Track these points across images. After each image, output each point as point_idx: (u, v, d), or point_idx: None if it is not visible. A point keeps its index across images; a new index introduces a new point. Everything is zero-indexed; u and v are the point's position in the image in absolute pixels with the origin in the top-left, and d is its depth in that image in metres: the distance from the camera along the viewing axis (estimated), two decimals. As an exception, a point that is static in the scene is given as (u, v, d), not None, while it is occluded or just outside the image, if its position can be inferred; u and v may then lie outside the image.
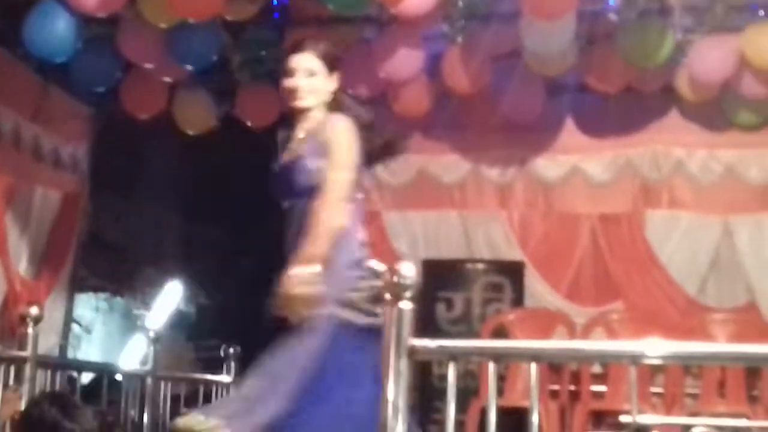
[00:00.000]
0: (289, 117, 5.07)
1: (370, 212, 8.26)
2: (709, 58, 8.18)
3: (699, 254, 9.08)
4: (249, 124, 9.15)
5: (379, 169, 7.29)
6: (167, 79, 8.63)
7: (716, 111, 8.88)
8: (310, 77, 4.92)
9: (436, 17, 7.81)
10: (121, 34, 8.04)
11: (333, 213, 4.66)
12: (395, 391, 3.35)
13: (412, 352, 3.38)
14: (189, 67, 8.40)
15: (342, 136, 4.80)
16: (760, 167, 9.00)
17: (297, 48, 4.98)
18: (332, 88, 4.98)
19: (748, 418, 7.42)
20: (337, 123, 4.86)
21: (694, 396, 8.01)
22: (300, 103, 4.93)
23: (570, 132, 9.35)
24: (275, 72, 8.63)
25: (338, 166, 4.74)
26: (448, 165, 9.73)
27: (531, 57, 8.23)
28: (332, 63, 4.99)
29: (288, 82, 4.94)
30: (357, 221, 4.84)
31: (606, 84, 8.61)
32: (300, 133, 4.94)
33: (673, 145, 9.19)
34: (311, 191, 4.72)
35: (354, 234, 4.80)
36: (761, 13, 8.02)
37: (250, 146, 10.06)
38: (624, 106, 9.00)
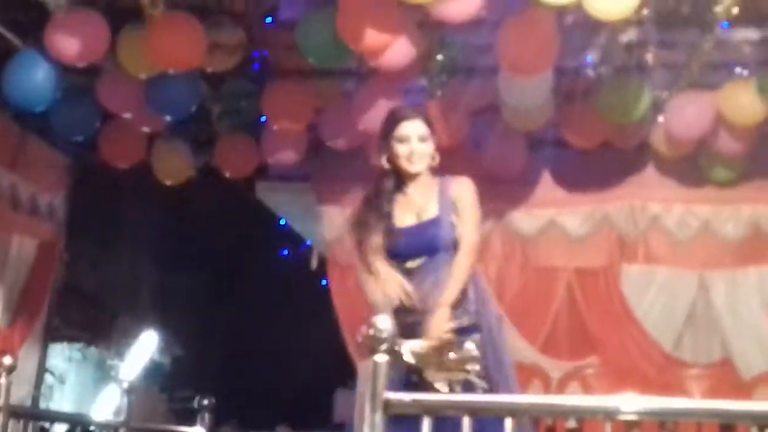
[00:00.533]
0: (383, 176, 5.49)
1: (348, 266, 8.26)
2: (686, 115, 8.23)
3: (675, 309, 9.06)
4: (227, 174, 9.14)
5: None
6: (146, 129, 8.62)
7: (693, 167, 8.92)
8: (422, 143, 5.39)
9: (415, 71, 7.83)
10: (100, 84, 8.04)
11: (473, 264, 5.32)
12: (370, 445, 3.34)
13: (387, 405, 3.37)
14: (168, 118, 8.39)
15: (474, 196, 5.41)
16: (736, 223, 9.02)
17: (403, 117, 5.46)
18: (435, 149, 5.45)
19: (723, 474, 7.40)
20: (465, 183, 5.45)
21: (669, 452, 7.98)
22: (415, 167, 5.39)
23: (547, 186, 9.35)
24: (254, 123, 8.75)
25: (475, 223, 5.40)
26: (426, 218, 9.69)
27: (509, 112, 8.27)
28: (433, 126, 5.48)
29: (402, 149, 5.39)
30: None
31: (583, 139, 8.65)
32: (416, 193, 5.41)
33: (649, 200, 9.20)
34: (450, 245, 5.29)
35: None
36: (737, 70, 8.09)
37: (228, 197, 10.10)
38: (601, 161, 9.02)
